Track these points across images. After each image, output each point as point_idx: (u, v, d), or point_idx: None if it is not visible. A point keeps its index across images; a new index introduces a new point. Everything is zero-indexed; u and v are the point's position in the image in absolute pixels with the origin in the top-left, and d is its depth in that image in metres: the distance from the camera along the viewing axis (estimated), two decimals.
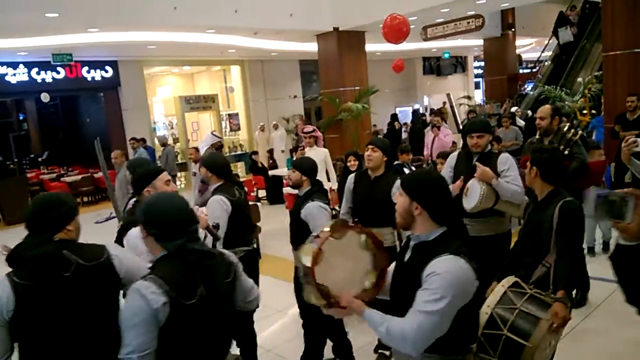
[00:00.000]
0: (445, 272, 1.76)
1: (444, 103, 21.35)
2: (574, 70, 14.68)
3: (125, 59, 13.10)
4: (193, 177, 6.86)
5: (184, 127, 14.84)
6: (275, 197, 10.16)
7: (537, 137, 4.32)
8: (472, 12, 9.93)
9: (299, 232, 3.41)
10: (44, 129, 19.35)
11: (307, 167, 3.61)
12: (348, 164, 4.91)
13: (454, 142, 8.57)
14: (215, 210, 3.39)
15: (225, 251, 2.10)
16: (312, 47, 12.49)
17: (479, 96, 23.09)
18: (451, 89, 22.58)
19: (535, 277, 2.63)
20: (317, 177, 3.66)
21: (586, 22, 15.05)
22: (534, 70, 18.85)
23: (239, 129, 16.34)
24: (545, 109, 4.27)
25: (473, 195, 3.44)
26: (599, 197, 1.55)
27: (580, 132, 4.11)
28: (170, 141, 15.00)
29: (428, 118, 16.22)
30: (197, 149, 7.76)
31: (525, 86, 17.37)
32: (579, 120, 4.22)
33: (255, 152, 11.68)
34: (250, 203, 7.25)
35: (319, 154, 6.70)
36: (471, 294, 1.82)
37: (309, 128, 6.69)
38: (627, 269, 1.62)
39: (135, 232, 2.47)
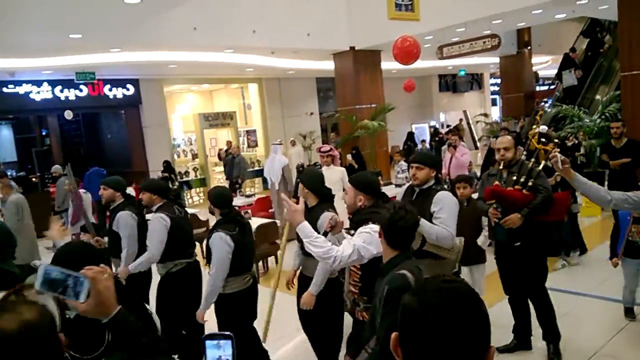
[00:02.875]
0: None
1: (461, 120, 21.37)
2: (591, 88, 14.59)
3: (146, 77, 13.39)
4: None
5: (202, 143, 15.05)
6: None
7: (499, 167, 3.97)
8: (488, 32, 10.00)
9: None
10: (66, 144, 19.71)
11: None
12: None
13: (470, 162, 8.56)
14: (154, 226, 3.85)
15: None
16: (328, 65, 12.65)
17: (495, 113, 23.04)
18: (467, 106, 22.59)
19: None
20: (334, 195, 3.77)
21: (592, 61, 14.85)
22: (552, 87, 18.78)
23: (256, 145, 16.52)
24: (508, 139, 4.01)
25: None
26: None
27: (543, 162, 3.74)
28: (189, 157, 15.26)
29: (444, 135, 16.26)
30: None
31: (542, 104, 17.30)
32: (537, 149, 3.86)
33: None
34: (269, 220, 7.36)
35: (335, 173, 6.76)
36: None
37: (326, 147, 6.77)
38: None
39: None
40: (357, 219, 2.86)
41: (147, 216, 4.39)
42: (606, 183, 7.40)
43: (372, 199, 2.95)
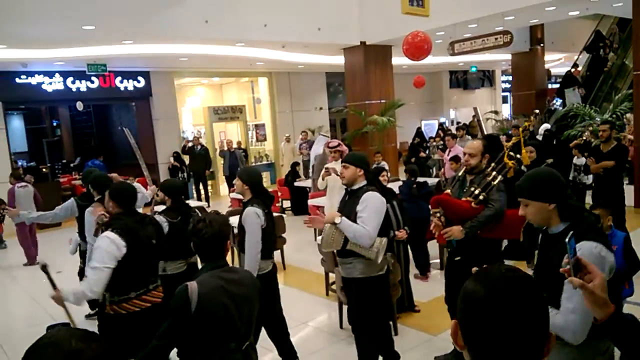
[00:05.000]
0: None
1: (474, 117, 21.23)
2: (607, 80, 14.41)
3: (157, 70, 13.44)
4: None
5: (211, 136, 15.10)
6: (299, 208, 10.26)
7: (459, 174, 3.85)
8: (501, 28, 9.92)
9: (242, 237, 3.68)
10: (77, 135, 19.88)
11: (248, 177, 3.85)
12: (381, 178, 4.98)
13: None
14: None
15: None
16: (338, 60, 12.63)
17: (506, 111, 22.88)
18: (478, 103, 22.43)
19: None
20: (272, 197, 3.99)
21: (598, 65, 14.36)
22: None
23: (265, 139, 16.55)
24: (476, 144, 3.79)
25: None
26: None
27: (500, 177, 3.54)
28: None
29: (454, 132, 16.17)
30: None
31: (554, 101, 17.17)
32: (504, 163, 3.58)
33: (298, 163, 11.77)
34: (275, 214, 7.40)
35: None
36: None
37: (334, 142, 6.75)
38: None
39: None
40: (103, 224, 3.26)
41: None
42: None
43: (119, 208, 3.28)
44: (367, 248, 3.32)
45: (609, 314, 1.41)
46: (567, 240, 1.62)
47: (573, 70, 14.90)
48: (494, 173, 3.58)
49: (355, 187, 3.44)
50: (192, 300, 2.17)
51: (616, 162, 6.14)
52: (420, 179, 6.61)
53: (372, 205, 3.33)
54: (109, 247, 3.00)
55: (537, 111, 15.50)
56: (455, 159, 6.71)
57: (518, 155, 3.78)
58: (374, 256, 3.33)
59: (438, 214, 3.65)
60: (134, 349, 2.67)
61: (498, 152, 3.74)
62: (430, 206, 3.78)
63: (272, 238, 3.89)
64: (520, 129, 4.75)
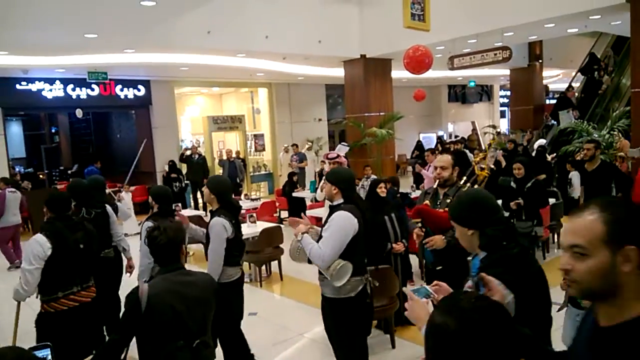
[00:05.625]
0: None
1: (473, 130, 21.36)
2: (602, 102, 14.51)
3: (157, 79, 13.49)
4: None
5: (210, 146, 15.13)
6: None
7: (433, 187, 3.92)
8: (500, 44, 10.00)
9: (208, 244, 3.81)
10: (75, 142, 19.86)
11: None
12: (378, 190, 4.98)
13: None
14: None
15: None
16: (338, 72, 12.70)
17: (504, 125, 23.02)
18: (476, 117, 22.57)
19: None
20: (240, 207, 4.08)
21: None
22: None
23: (263, 149, 16.59)
24: (446, 159, 3.88)
25: None
26: None
27: (475, 187, 3.68)
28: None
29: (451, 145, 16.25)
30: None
31: (551, 118, 17.28)
32: (475, 175, 3.66)
33: (295, 173, 11.77)
34: (273, 225, 7.40)
35: None
36: None
37: (333, 154, 6.79)
38: None
39: None
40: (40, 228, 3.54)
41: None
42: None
43: (51, 213, 3.54)
44: (323, 269, 3.22)
45: None
46: (470, 258, 1.63)
47: (568, 92, 14.97)
48: (468, 184, 3.70)
49: (334, 203, 3.38)
50: (142, 301, 2.37)
51: (602, 180, 6.12)
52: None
53: (335, 226, 3.21)
54: (36, 248, 3.31)
55: (530, 130, 15.62)
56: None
57: (492, 166, 3.92)
58: (329, 277, 3.19)
59: (419, 224, 3.75)
60: (68, 345, 3.11)
61: (466, 166, 3.86)
62: (410, 216, 3.87)
63: (240, 246, 3.91)
64: (487, 145, 4.90)
